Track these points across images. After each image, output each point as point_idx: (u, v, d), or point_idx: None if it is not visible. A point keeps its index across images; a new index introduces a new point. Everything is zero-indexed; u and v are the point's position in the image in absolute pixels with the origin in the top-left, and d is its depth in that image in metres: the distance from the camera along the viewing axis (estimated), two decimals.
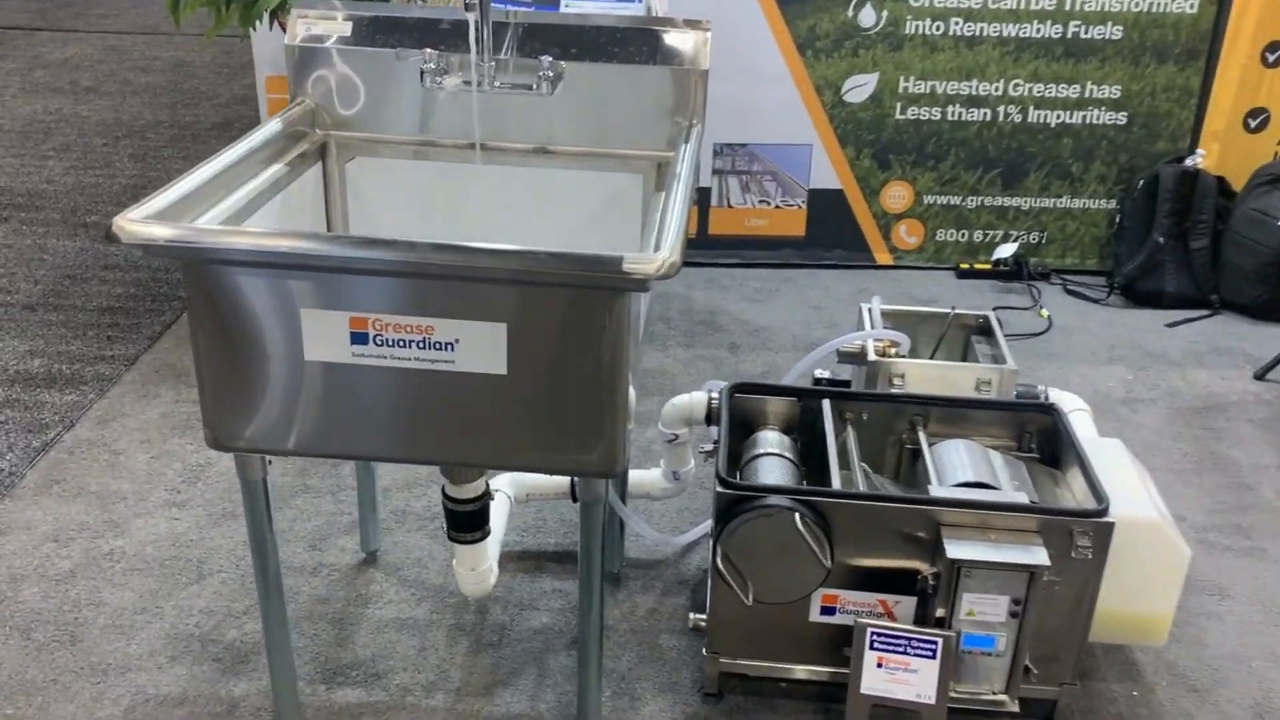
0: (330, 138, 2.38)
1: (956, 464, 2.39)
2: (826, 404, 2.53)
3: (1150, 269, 4.42)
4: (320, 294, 1.78)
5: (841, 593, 2.25)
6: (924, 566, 2.18)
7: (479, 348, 1.79)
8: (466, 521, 2.27)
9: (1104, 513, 2.14)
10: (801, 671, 2.34)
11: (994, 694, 2.21)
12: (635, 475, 2.82)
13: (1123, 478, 2.38)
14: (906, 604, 2.23)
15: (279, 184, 2.18)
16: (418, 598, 2.67)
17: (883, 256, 4.73)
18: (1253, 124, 4.51)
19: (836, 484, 2.26)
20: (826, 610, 2.27)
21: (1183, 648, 2.57)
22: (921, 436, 2.52)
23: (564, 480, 2.75)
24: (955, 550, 2.10)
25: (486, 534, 2.32)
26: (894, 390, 2.76)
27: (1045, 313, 4.31)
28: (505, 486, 2.65)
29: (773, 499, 2.16)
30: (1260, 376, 3.87)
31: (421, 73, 2.31)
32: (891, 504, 2.18)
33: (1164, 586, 2.32)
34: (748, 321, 4.20)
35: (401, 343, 1.80)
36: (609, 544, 2.75)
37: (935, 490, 2.25)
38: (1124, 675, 2.50)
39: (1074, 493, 2.34)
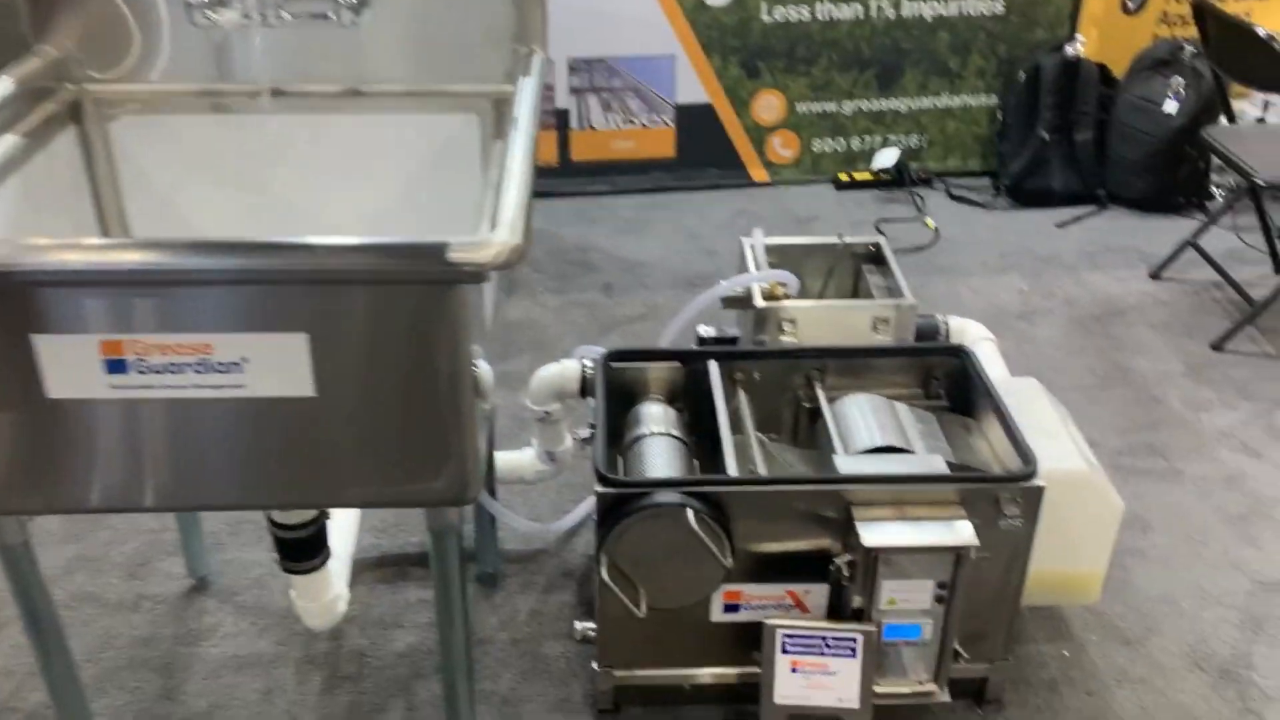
0: (84, 94, 1.92)
1: (862, 426, 2.11)
2: (714, 367, 2.22)
3: (1036, 167, 4.21)
4: (58, 315, 1.37)
5: (745, 587, 1.97)
6: (836, 547, 1.91)
7: (274, 366, 1.41)
8: (299, 550, 1.91)
9: (1032, 475, 1.89)
10: (707, 676, 2.07)
11: (921, 685, 1.97)
12: (505, 458, 2.48)
13: (1044, 424, 2.14)
14: (818, 592, 1.96)
15: (18, 159, 1.73)
16: (259, 628, 2.30)
17: (758, 173, 4.41)
18: (1131, 6, 4.29)
19: (731, 464, 1.96)
20: (730, 608, 1.99)
21: (1110, 595, 2.38)
22: (820, 393, 2.23)
23: None
24: (871, 535, 1.83)
25: (327, 558, 1.97)
26: (786, 339, 2.46)
27: (931, 223, 4.07)
28: None
29: (661, 495, 1.85)
30: (1156, 275, 3.71)
31: (188, 4, 1.86)
32: (795, 487, 1.90)
33: (1097, 543, 2.10)
34: (622, 257, 3.85)
35: (172, 367, 1.40)
36: (482, 542, 2.41)
37: (841, 461, 1.97)
38: (1053, 634, 2.30)
39: (991, 443, 2.09)
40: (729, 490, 1.88)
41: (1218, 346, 3.30)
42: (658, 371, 2.25)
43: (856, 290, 2.80)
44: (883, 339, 2.51)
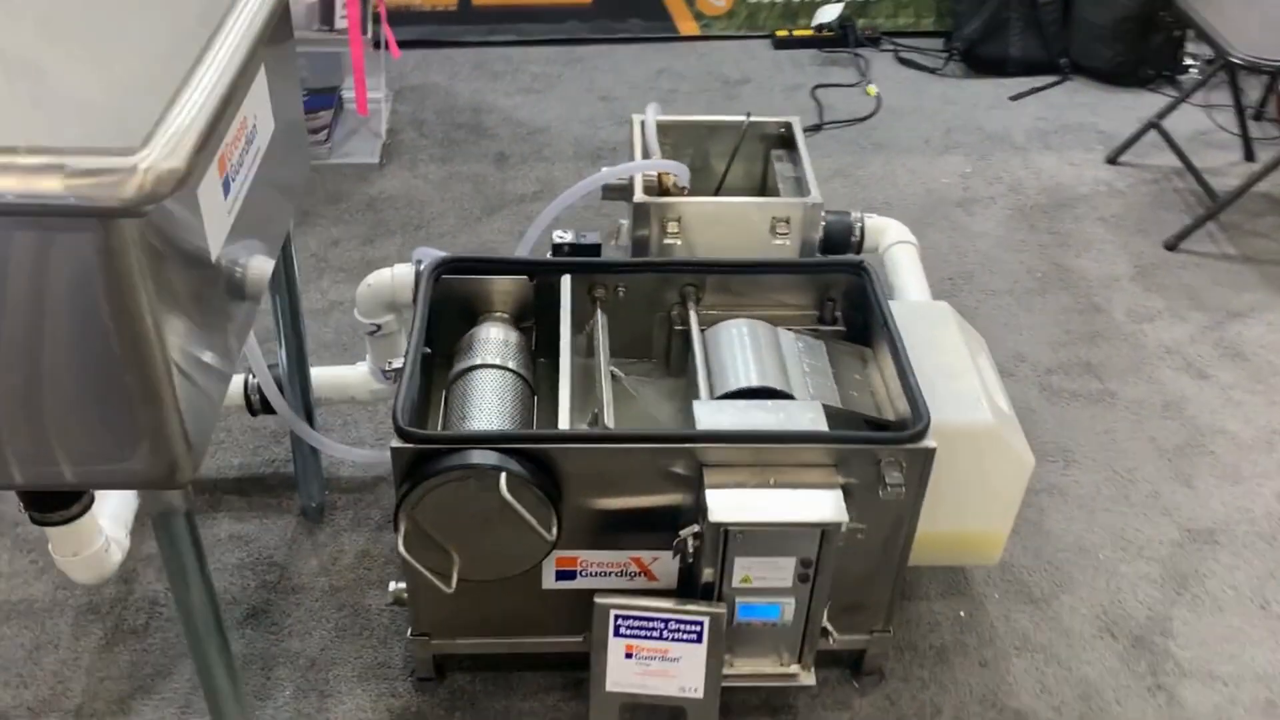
0: None
1: (737, 360, 1.78)
2: (566, 282, 1.86)
3: (994, 30, 3.76)
4: None
5: (582, 553, 1.67)
6: (687, 510, 1.60)
7: None
8: (44, 499, 1.58)
9: (921, 434, 1.57)
10: (538, 645, 1.79)
11: (783, 667, 1.70)
12: (334, 374, 2.14)
13: (951, 361, 1.81)
14: (668, 559, 1.66)
15: None
16: (38, 568, 1.99)
17: (687, 25, 3.93)
18: None
19: (565, 411, 1.63)
20: (564, 575, 1.69)
21: (1020, 541, 2.11)
22: (692, 317, 1.88)
23: (233, 385, 2.05)
24: (721, 509, 1.52)
25: (89, 505, 1.64)
26: (669, 241, 2.10)
27: (873, 90, 3.65)
28: None
29: (473, 454, 1.52)
30: (1114, 160, 3.33)
31: None
32: (633, 446, 1.57)
33: (1001, 503, 1.80)
34: (521, 122, 3.42)
35: None
36: (303, 472, 2.09)
37: (700, 410, 1.64)
38: (949, 588, 2.03)
39: (887, 381, 1.77)
40: (555, 448, 1.56)
41: (1172, 246, 2.96)
42: (503, 285, 1.89)
43: (764, 180, 2.43)
44: (782, 243, 2.15)
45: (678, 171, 2.18)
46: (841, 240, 2.31)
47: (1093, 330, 2.67)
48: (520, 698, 1.81)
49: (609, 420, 1.68)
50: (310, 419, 2.01)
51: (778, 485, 1.55)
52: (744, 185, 2.44)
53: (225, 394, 1.38)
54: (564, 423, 1.60)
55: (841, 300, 1.95)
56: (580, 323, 1.90)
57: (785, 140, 2.39)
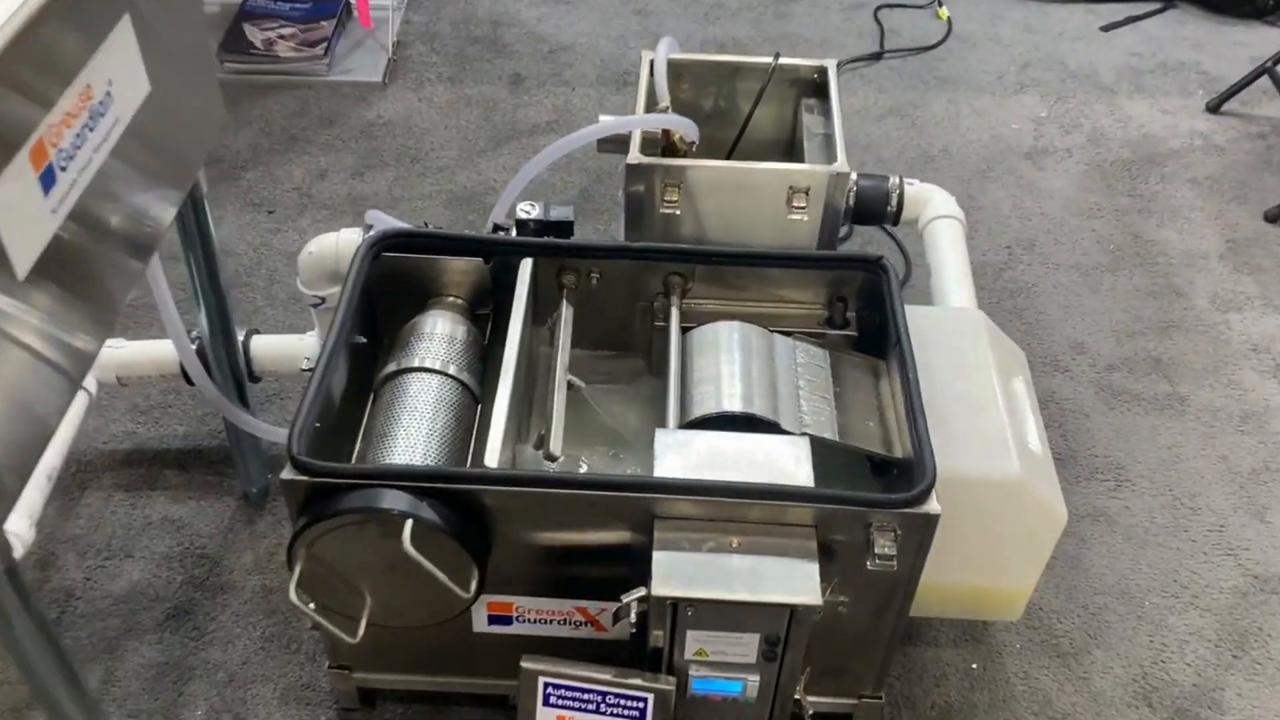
0: None
1: (715, 375, 1.50)
2: (525, 269, 1.58)
3: None
4: None
5: (517, 599, 1.43)
6: (636, 548, 1.35)
7: None
8: None
9: (922, 497, 1.29)
10: (473, 686, 1.57)
11: None
12: (281, 344, 1.90)
13: (978, 390, 1.50)
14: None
15: None
16: None
17: None
18: None
19: (498, 437, 1.37)
20: (498, 620, 1.46)
21: (1052, 578, 1.82)
22: (673, 314, 1.60)
23: (169, 352, 1.83)
24: (666, 579, 1.26)
25: None
26: (666, 210, 1.81)
27: (944, 12, 3.23)
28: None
29: (380, 497, 1.27)
30: (1216, 108, 2.90)
31: None
32: (569, 492, 1.31)
33: (1026, 559, 1.52)
34: (543, 38, 3.09)
35: None
36: (241, 453, 1.87)
37: (664, 442, 1.37)
38: (962, 634, 1.76)
39: (898, 406, 1.47)
40: (477, 490, 1.30)
41: (1274, 218, 2.56)
42: (457, 266, 1.62)
43: (793, 133, 2.10)
44: (799, 217, 1.84)
45: (685, 128, 1.87)
46: (875, 209, 1.99)
47: (1167, 319, 2.31)
48: None
49: (554, 446, 1.42)
50: (242, 393, 1.78)
51: (741, 550, 1.28)
52: (771, 137, 2.12)
53: (64, 407, 1.15)
54: (492, 457, 1.34)
55: (855, 300, 1.65)
56: (545, 312, 1.63)
57: (819, 88, 2.06)
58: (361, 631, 1.36)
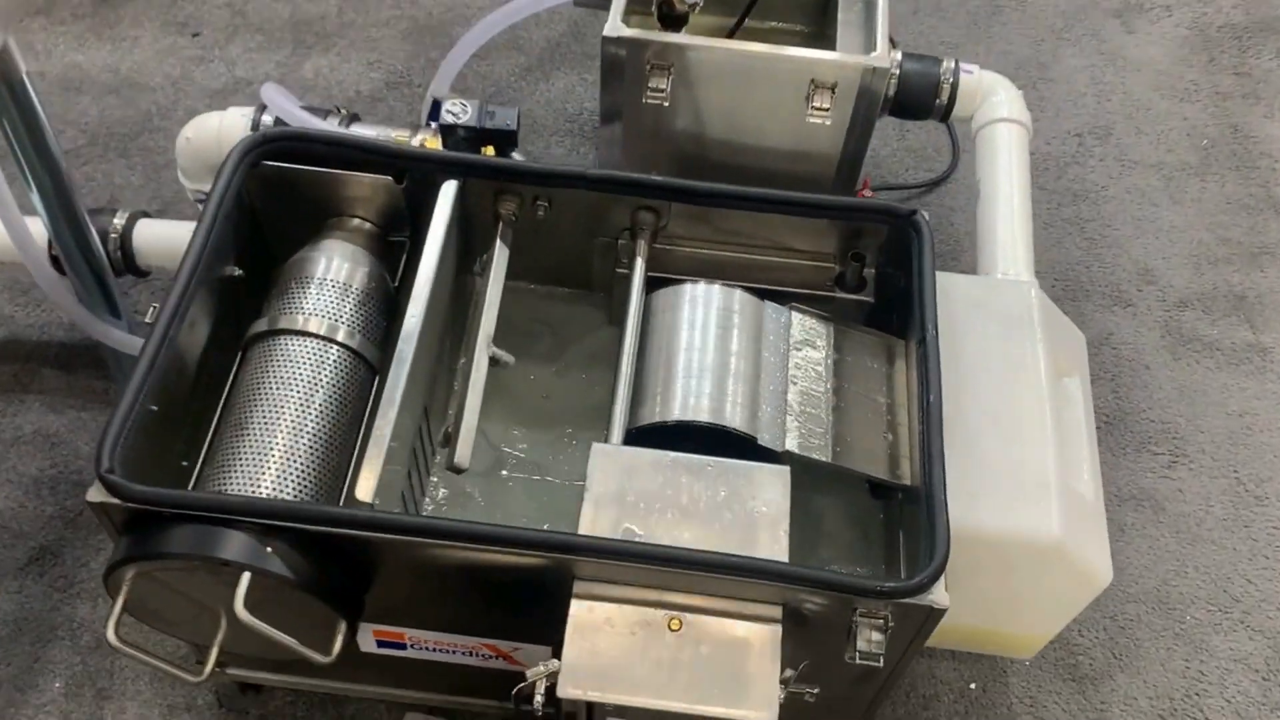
0: None
1: (681, 362, 1.16)
2: (447, 193, 1.21)
3: None
4: None
5: (409, 631, 1.15)
6: (554, 595, 1.06)
7: None
8: None
9: (924, 586, 0.97)
10: (364, 692, 1.32)
11: None
12: (169, 234, 1.55)
13: (1021, 406, 1.15)
14: (535, 651, 1.14)
15: None
16: None
17: None
18: None
19: (379, 460, 1.04)
20: (389, 644, 1.19)
21: None
22: (638, 265, 1.24)
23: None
24: (577, 676, 0.96)
25: None
26: (652, 101, 1.42)
27: None
28: None
29: (222, 542, 0.96)
30: None
31: None
32: (461, 546, 1.00)
33: (1053, 613, 1.21)
34: None
35: None
36: (116, 361, 1.56)
37: (598, 465, 1.05)
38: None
39: (914, 411, 1.14)
40: (346, 534, 0.99)
41: None
42: (361, 181, 1.24)
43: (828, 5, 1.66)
44: (820, 120, 1.45)
45: None
46: (920, 101, 1.61)
47: (1260, 243, 1.91)
48: None
49: (460, 454, 1.10)
50: (107, 290, 1.44)
51: (682, 635, 0.98)
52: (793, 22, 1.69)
53: None
54: (366, 488, 1.02)
55: (875, 256, 1.28)
56: (480, 246, 1.28)
57: None
58: (209, 670, 1.09)
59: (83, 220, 1.39)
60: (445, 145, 1.28)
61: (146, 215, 1.54)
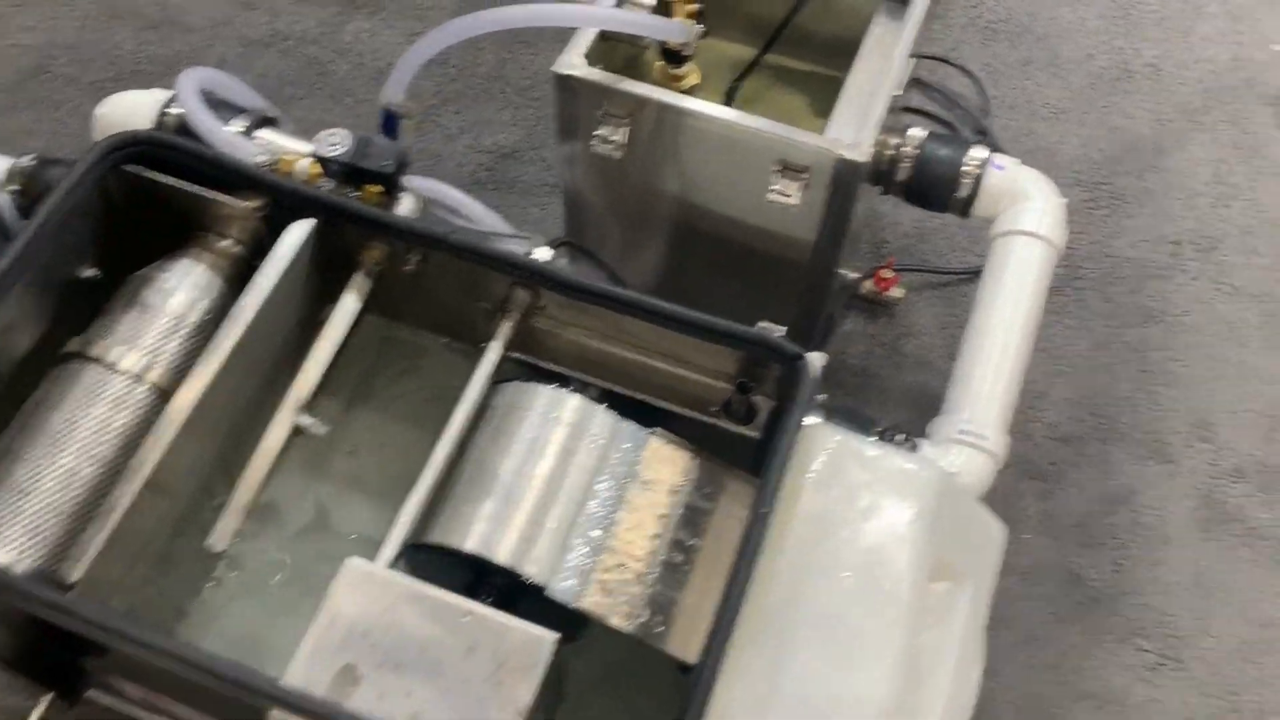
0: None
1: (493, 484, 1.01)
2: (295, 234, 1.09)
3: None
4: None
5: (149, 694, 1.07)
6: None
7: None
8: None
9: None
10: None
11: None
12: None
13: (867, 639, 0.94)
14: None
15: None
16: None
17: None
18: None
19: (124, 502, 0.95)
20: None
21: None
22: (492, 348, 1.09)
23: None
24: None
25: None
26: (603, 148, 1.26)
27: None
28: None
29: None
30: None
31: None
32: (148, 653, 0.89)
33: None
34: None
35: None
36: None
37: (353, 576, 0.92)
38: None
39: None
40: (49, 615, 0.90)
41: None
42: (219, 199, 1.14)
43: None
44: (784, 200, 1.26)
45: (673, 35, 1.27)
46: (935, 193, 1.39)
47: None
48: None
49: (216, 535, 0.99)
50: None
51: None
52: (835, 32, 1.47)
53: None
54: (78, 565, 0.92)
55: (772, 388, 1.09)
56: (337, 290, 1.16)
57: None
58: None
59: None
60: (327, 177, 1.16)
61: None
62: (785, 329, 1.07)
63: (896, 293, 1.64)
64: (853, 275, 1.65)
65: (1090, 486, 1.52)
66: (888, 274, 1.63)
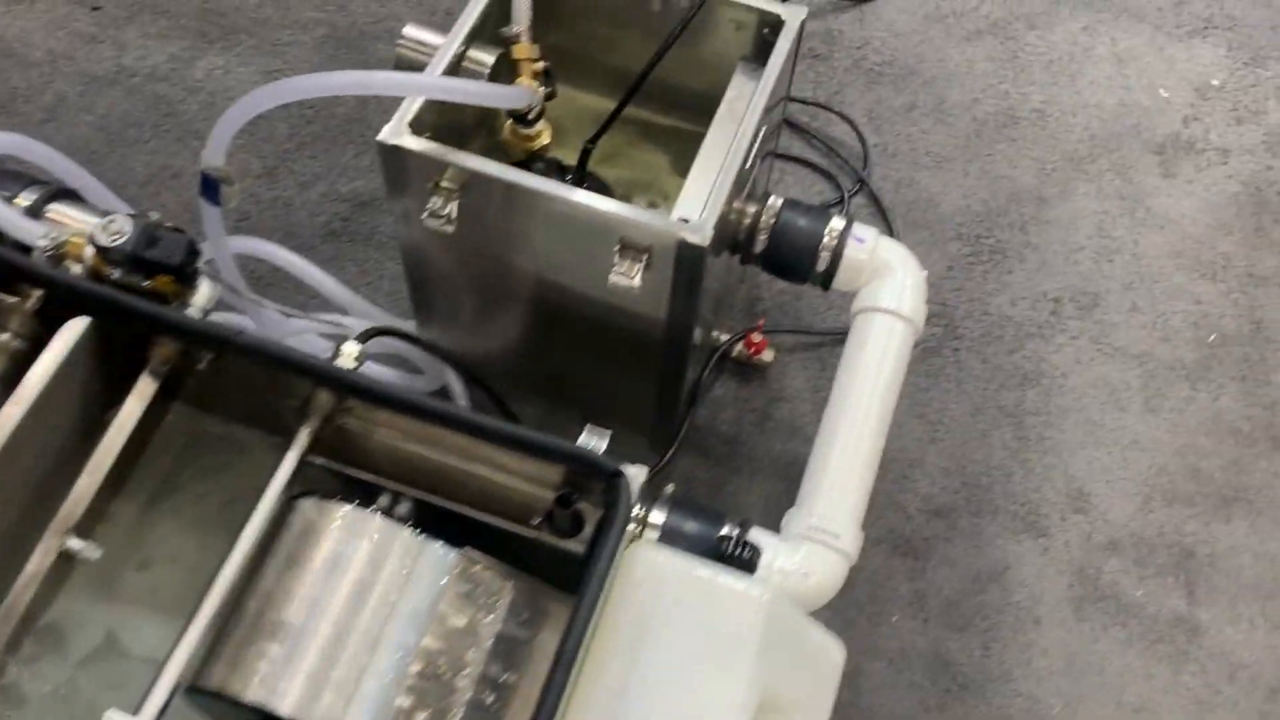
0: None
1: (290, 619, 0.92)
2: (71, 330, 0.98)
3: None
4: None
5: None
6: None
7: None
8: None
9: None
10: None
11: None
12: None
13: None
14: None
15: None
16: None
17: None
18: None
19: None
20: None
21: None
22: (288, 459, 0.99)
23: None
24: None
25: None
26: (433, 222, 1.18)
27: None
28: None
29: None
30: None
31: None
32: None
33: None
34: None
35: None
36: None
37: None
38: None
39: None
40: None
41: None
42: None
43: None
44: (628, 283, 1.17)
45: (510, 103, 1.19)
46: (794, 265, 1.32)
47: (1239, 485, 1.54)
48: None
49: None
50: None
51: None
52: (701, 89, 1.40)
53: None
54: None
55: (594, 507, 1.00)
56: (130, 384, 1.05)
57: (763, 46, 1.31)
58: None
59: None
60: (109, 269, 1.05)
61: None
62: (609, 435, 0.99)
63: (767, 356, 1.57)
64: (724, 337, 1.58)
65: (962, 563, 1.46)
66: (757, 337, 1.55)
